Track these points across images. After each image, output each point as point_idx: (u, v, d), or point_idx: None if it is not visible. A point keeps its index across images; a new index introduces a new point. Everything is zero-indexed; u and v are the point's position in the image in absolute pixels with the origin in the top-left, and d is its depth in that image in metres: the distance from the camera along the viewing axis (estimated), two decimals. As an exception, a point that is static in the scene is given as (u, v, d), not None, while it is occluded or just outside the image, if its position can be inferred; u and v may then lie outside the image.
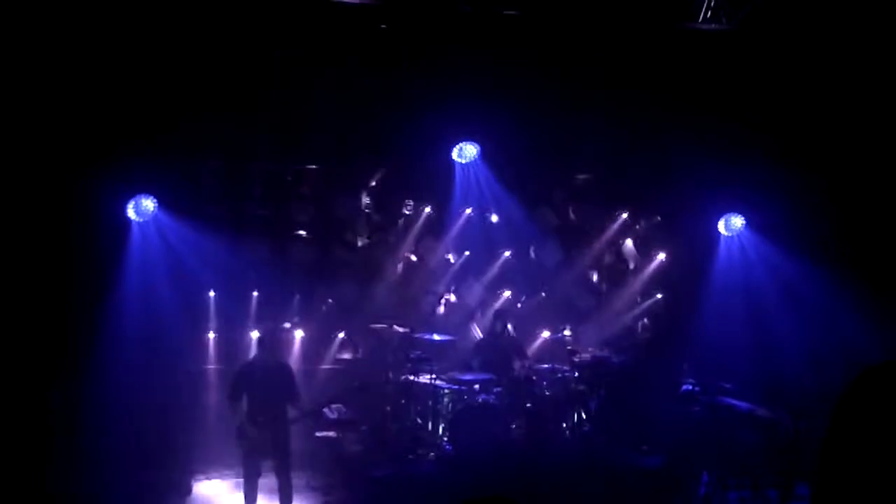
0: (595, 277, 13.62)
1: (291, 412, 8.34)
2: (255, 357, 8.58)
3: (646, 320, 12.80)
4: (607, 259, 13.36)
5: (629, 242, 13.09)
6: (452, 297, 12.66)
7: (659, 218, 12.59)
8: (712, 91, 10.16)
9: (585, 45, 9.71)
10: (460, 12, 9.25)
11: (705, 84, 10.12)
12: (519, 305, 12.74)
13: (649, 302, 12.75)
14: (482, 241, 12.65)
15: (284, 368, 8.61)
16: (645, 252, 12.86)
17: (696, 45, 9.86)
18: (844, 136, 10.24)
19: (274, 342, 8.66)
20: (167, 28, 8.88)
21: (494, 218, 12.50)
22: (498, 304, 12.37)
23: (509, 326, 11.33)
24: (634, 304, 12.82)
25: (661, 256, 12.50)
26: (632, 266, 13.07)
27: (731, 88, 10.15)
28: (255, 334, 10.16)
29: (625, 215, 12.73)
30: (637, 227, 12.98)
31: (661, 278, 12.59)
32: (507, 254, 12.71)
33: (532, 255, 12.92)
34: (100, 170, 9.25)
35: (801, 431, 8.64)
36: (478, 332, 12.29)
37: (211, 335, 11.33)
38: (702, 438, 9.25)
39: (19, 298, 9.12)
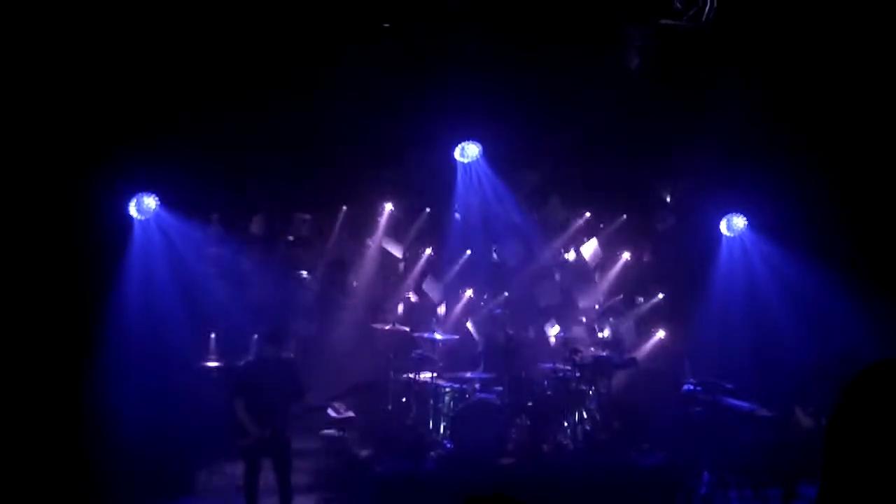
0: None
1: (295, 408, 8.33)
2: (258, 354, 8.55)
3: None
4: None
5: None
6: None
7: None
8: (714, 90, 10.13)
9: (585, 43, 9.68)
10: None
11: (707, 83, 10.09)
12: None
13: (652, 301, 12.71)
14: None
15: (288, 365, 8.58)
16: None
17: (695, 43, 9.83)
18: (849, 136, 10.22)
19: (279, 338, 8.65)
20: (168, 26, 8.88)
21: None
22: (499, 308, 12.32)
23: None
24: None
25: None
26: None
27: (733, 87, 10.12)
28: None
29: None
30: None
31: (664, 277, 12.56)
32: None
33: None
34: (101, 168, 9.25)
35: (803, 431, 8.64)
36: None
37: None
38: (703, 438, 9.23)
39: (21, 297, 9.13)
